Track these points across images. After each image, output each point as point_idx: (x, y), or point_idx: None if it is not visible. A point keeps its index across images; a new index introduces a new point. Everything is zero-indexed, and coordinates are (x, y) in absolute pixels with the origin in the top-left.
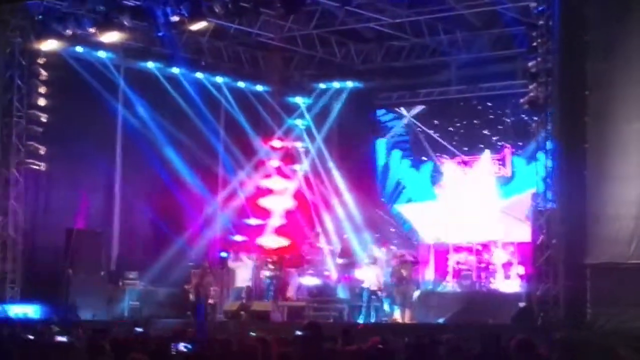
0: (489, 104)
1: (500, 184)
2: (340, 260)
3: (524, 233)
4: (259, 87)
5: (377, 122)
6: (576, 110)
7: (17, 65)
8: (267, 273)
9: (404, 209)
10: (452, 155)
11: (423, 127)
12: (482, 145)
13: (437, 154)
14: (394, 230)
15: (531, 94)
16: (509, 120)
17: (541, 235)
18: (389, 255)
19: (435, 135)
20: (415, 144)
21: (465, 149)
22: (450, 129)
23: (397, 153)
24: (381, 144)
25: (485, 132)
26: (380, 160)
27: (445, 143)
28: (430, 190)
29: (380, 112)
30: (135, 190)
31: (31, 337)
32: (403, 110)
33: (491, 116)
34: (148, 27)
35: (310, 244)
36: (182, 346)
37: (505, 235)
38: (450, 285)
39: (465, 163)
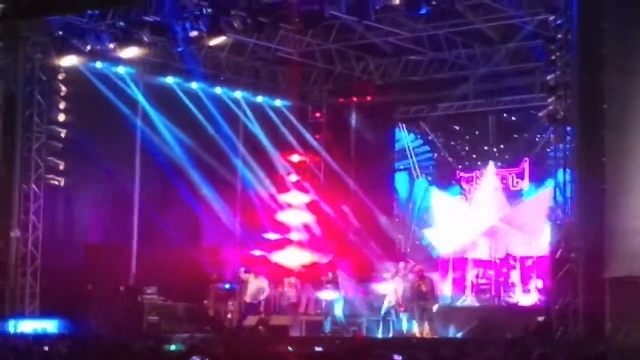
0: (507, 117)
1: (518, 197)
2: (358, 275)
3: (542, 247)
4: (278, 102)
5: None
6: (594, 123)
7: (37, 81)
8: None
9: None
10: (470, 169)
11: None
12: (500, 159)
13: (460, 167)
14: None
15: (550, 107)
16: (527, 134)
17: (560, 249)
18: (406, 269)
19: (451, 147)
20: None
21: (482, 162)
22: (467, 142)
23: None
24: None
25: (504, 145)
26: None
27: (460, 156)
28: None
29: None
30: (154, 205)
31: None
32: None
33: (509, 129)
34: (167, 42)
35: (329, 260)
36: (199, 359)
37: (523, 249)
38: (468, 299)
39: (484, 176)
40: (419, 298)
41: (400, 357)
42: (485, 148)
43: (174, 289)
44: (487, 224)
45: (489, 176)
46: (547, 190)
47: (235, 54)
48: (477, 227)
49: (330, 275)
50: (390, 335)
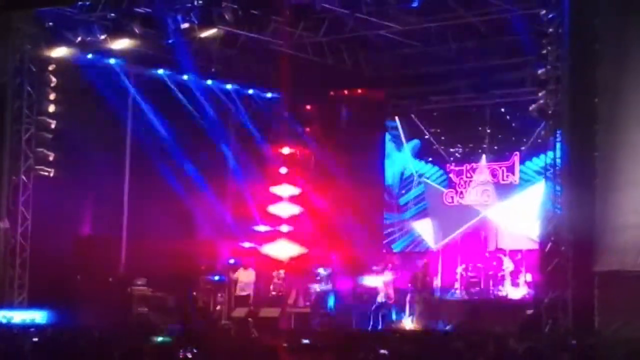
0: (498, 111)
1: (509, 191)
2: (348, 268)
3: (531, 241)
4: (269, 94)
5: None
6: (586, 118)
7: (27, 72)
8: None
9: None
10: (460, 163)
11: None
12: (490, 153)
13: (446, 163)
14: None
15: (540, 102)
16: (518, 128)
17: (549, 242)
18: (395, 263)
19: (442, 142)
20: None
21: (473, 156)
22: (458, 136)
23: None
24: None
25: (494, 139)
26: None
27: (451, 150)
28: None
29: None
30: (144, 196)
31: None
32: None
33: (500, 124)
34: (158, 34)
35: (320, 253)
36: (188, 352)
37: (512, 243)
38: (458, 292)
39: (474, 170)
40: (424, 289)
41: (387, 352)
42: (476, 142)
43: (164, 281)
44: (477, 217)
45: (481, 169)
46: (537, 186)
47: (227, 46)
48: (467, 220)
49: (327, 269)
50: (380, 328)
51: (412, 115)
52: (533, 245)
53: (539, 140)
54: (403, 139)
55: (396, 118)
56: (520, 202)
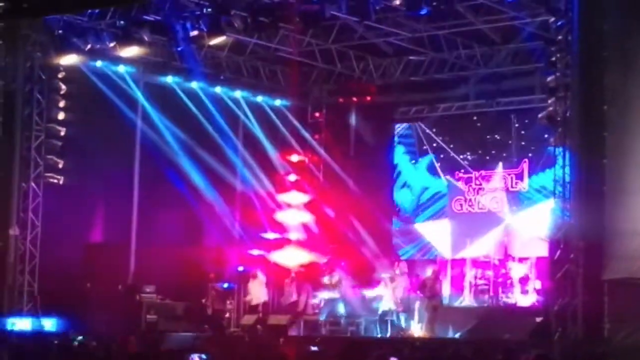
0: (507, 118)
1: (518, 198)
2: (357, 275)
3: (540, 248)
4: (278, 102)
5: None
6: (595, 125)
7: (37, 80)
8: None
9: (422, 227)
10: (469, 170)
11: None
12: (499, 161)
13: (456, 170)
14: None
15: (549, 109)
16: (527, 136)
17: (559, 249)
18: (403, 270)
19: (451, 149)
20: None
21: (482, 163)
22: (467, 143)
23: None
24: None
25: (503, 146)
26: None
27: (461, 157)
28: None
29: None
30: (153, 203)
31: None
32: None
33: (509, 131)
34: (167, 41)
35: (329, 260)
36: (197, 357)
37: (522, 250)
38: (466, 299)
39: (483, 178)
40: (433, 296)
41: (396, 359)
42: (485, 149)
43: (173, 288)
44: (489, 225)
45: (494, 176)
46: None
47: (235, 53)
48: (478, 227)
49: (335, 277)
50: (389, 335)
51: (421, 123)
52: (542, 252)
53: (550, 148)
54: (426, 143)
55: (414, 125)
56: (533, 210)
